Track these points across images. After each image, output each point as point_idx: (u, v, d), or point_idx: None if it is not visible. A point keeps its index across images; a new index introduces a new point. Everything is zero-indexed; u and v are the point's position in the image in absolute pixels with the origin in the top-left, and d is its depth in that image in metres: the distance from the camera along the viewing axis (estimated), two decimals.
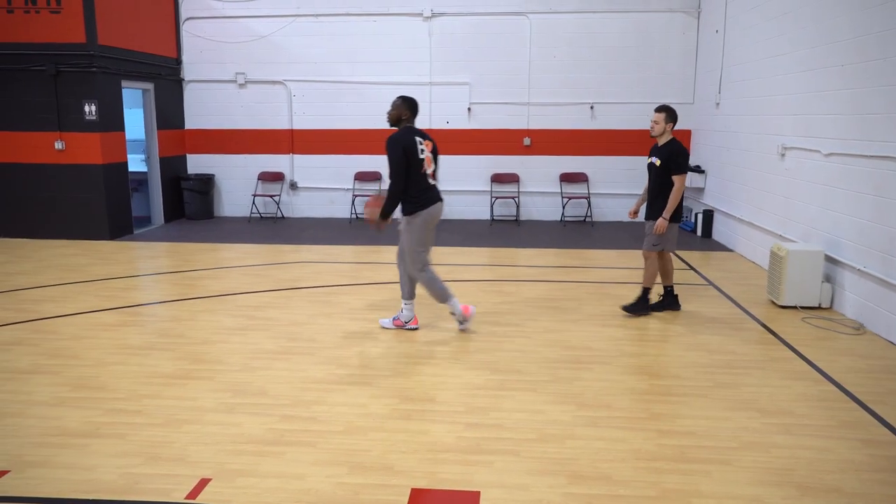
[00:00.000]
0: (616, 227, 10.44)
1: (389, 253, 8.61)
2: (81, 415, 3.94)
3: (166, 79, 10.86)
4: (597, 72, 10.67)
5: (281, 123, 11.29)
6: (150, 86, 10.42)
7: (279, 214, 11.36)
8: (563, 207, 10.89)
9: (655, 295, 6.05)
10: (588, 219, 10.90)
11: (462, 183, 11.10)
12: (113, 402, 4.12)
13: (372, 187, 11.20)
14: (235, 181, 11.46)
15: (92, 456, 3.47)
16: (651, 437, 3.68)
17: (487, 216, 11.07)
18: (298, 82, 11.12)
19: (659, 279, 6.02)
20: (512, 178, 11.01)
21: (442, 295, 5.33)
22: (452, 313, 5.42)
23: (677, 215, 5.74)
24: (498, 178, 11.01)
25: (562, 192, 10.93)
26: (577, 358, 4.89)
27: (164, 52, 10.76)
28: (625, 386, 4.39)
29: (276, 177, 11.34)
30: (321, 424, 3.82)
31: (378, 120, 10.90)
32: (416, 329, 5.52)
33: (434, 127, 10.99)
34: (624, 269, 7.65)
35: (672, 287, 6.04)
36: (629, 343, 5.24)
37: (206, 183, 11.15)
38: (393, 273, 7.54)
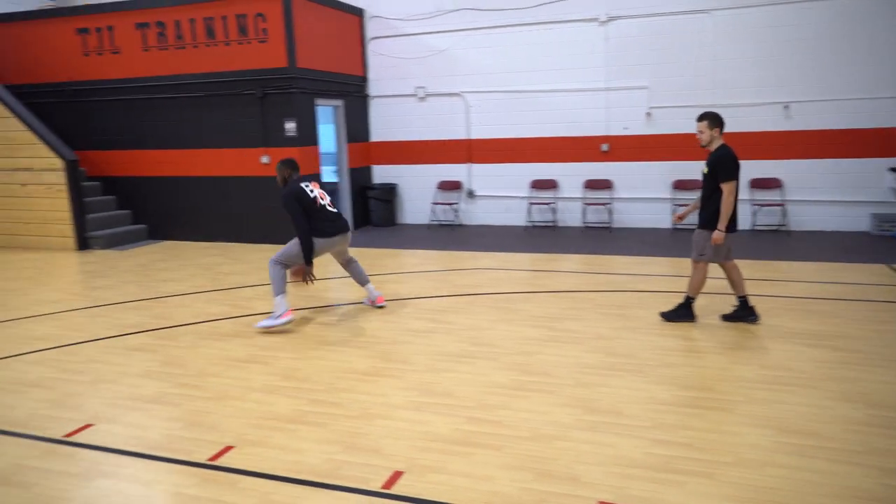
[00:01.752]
0: (818, 237, 9.53)
1: (567, 262, 8.57)
2: (289, 402, 4.34)
3: (354, 95, 11.65)
4: (791, 68, 9.81)
5: (458, 134, 11.64)
6: (340, 103, 11.25)
7: (457, 222, 11.72)
8: (754, 216, 10.14)
9: (729, 306, 5.90)
10: (783, 227, 10.05)
11: (641, 190, 10.74)
12: (315, 393, 4.48)
13: (549, 195, 11.19)
14: (416, 190, 12.00)
15: (299, 440, 3.80)
16: (871, 474, 3.29)
17: (667, 224, 10.60)
18: (475, 93, 11.40)
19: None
20: (695, 185, 10.43)
21: (278, 288, 5.91)
22: (275, 308, 5.88)
23: (732, 225, 5.56)
24: (680, 185, 10.51)
25: (752, 199, 10.18)
26: (775, 379, 4.52)
27: (352, 71, 11.56)
28: (835, 413, 3.98)
29: (454, 185, 11.71)
30: (507, 429, 3.87)
31: (554, 128, 11.02)
32: (290, 321, 5.87)
33: (611, 133, 10.76)
34: (829, 284, 6.94)
35: (746, 298, 5.76)
36: (839, 367, 4.74)
37: (390, 192, 11.80)
38: (572, 282, 7.50)
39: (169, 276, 8.28)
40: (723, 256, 5.69)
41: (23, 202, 10.55)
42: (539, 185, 11.23)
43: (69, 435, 3.96)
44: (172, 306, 6.85)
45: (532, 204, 11.23)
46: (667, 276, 7.67)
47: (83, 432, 3.99)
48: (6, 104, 10.34)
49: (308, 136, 10.27)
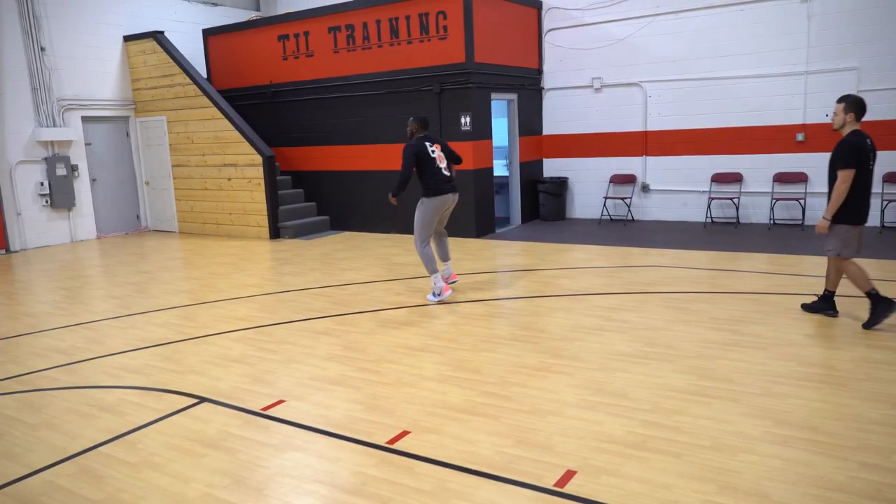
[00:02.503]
0: None
1: (750, 260, 7.95)
2: (462, 393, 4.43)
3: (528, 89, 11.62)
4: None
5: (635, 125, 11.21)
6: (513, 96, 11.28)
7: (629, 217, 11.32)
8: None
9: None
10: None
11: None
12: (486, 386, 4.54)
13: (732, 189, 10.44)
14: (587, 184, 11.75)
15: (472, 431, 3.87)
16: None
17: (874, 222, 9.44)
18: (655, 83, 10.90)
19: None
20: None
21: (430, 268, 6.64)
22: (433, 286, 6.65)
23: (856, 216, 5.32)
24: (893, 178, 9.31)
25: None
26: None
27: (527, 64, 11.54)
28: None
29: (628, 179, 11.30)
30: (685, 436, 3.66)
31: (740, 117, 10.24)
32: (449, 294, 6.68)
33: (810, 121, 9.79)
34: None
35: (832, 293, 5.67)
36: None
37: (560, 186, 11.65)
38: (758, 283, 6.93)
39: (349, 265, 8.82)
40: (854, 251, 5.41)
41: (228, 195, 11.79)
42: (721, 178, 10.50)
43: (265, 409, 4.35)
44: (352, 294, 7.29)
45: (712, 199, 10.53)
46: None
47: (277, 407, 4.37)
48: (218, 106, 11.60)
49: (482, 130, 10.42)
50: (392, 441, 3.79)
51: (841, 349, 4.89)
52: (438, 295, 6.60)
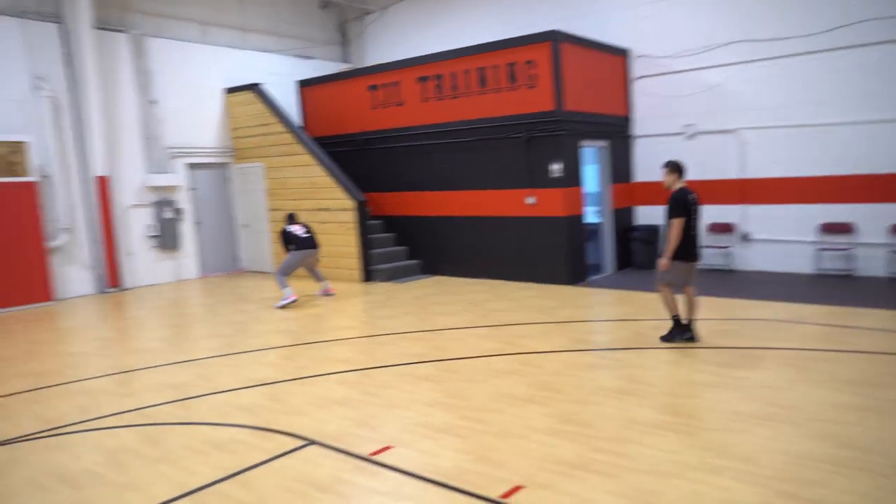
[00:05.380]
0: None
1: (871, 317, 7.41)
2: (573, 447, 4.26)
3: (619, 136, 11.49)
4: None
5: (730, 173, 10.85)
6: (604, 143, 11.17)
7: (729, 266, 10.87)
8: None
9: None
10: None
11: None
12: (598, 441, 4.35)
13: (843, 240, 9.88)
14: None
15: (589, 490, 3.69)
16: None
17: None
18: (752, 129, 10.56)
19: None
20: None
21: (282, 286, 9.55)
22: (285, 296, 9.52)
23: (685, 254, 6.38)
24: None
25: None
26: None
27: (616, 111, 11.44)
28: None
29: (725, 228, 10.90)
30: None
31: (850, 164, 9.76)
32: (295, 300, 9.52)
33: None
34: None
35: (691, 321, 6.55)
36: None
37: (653, 233, 11.35)
38: (886, 342, 6.43)
39: (442, 309, 8.80)
40: (682, 282, 6.51)
41: (321, 238, 12.07)
42: (830, 228, 9.97)
43: (373, 454, 4.32)
44: (448, 339, 7.24)
45: (823, 249, 9.99)
46: None
47: (385, 453, 4.33)
48: (313, 153, 12.03)
49: (572, 177, 10.34)
50: (506, 495, 3.66)
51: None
52: (287, 299, 9.43)
